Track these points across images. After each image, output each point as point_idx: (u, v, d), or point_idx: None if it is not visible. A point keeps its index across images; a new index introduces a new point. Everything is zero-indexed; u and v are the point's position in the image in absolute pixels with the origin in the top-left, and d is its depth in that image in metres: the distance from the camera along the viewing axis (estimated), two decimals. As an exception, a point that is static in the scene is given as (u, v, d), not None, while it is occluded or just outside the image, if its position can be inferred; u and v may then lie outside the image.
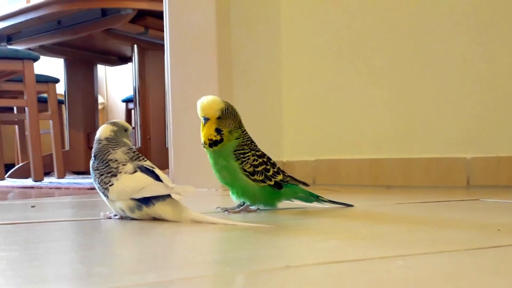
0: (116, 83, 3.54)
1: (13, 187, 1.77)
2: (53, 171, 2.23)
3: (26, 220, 0.71)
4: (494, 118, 1.21)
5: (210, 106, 0.72)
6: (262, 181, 0.74)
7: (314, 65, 1.47)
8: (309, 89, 1.49)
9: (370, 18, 1.38)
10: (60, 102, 2.57)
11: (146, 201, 0.64)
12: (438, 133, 1.26)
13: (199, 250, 0.49)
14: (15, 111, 2.54)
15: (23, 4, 2.39)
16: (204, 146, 0.74)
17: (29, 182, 1.98)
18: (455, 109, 1.25)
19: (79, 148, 2.45)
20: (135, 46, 2.08)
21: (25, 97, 1.90)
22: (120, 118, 3.23)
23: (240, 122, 0.77)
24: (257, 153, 0.76)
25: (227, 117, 0.73)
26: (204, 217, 0.62)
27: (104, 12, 1.91)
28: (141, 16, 1.91)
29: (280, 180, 0.77)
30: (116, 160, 0.66)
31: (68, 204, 0.95)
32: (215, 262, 0.42)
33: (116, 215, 0.68)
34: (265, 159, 0.76)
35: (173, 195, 0.64)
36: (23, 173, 2.35)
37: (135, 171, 0.64)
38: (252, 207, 0.77)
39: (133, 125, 2.56)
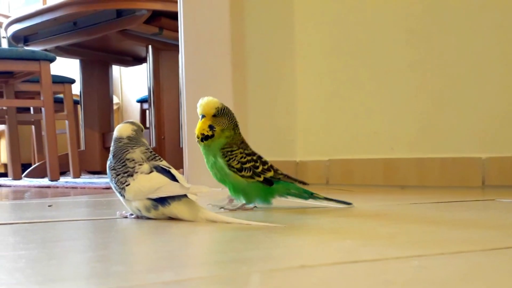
0: (131, 83, 3.56)
1: (29, 186, 1.79)
2: (68, 170, 2.25)
3: (44, 219, 0.73)
4: (510, 117, 1.20)
5: (207, 104, 0.77)
6: (251, 177, 0.77)
7: (328, 65, 1.47)
8: (323, 88, 1.48)
9: (383, 18, 1.37)
10: (76, 103, 2.60)
11: (162, 200, 0.64)
12: (453, 133, 1.25)
13: (215, 249, 0.49)
14: (31, 112, 2.57)
15: (40, 6, 2.42)
16: (197, 141, 0.79)
17: (45, 181, 2.00)
18: (470, 108, 1.24)
19: (94, 148, 2.47)
20: (150, 46, 2.10)
21: (42, 98, 1.92)
22: (135, 118, 3.26)
23: (235, 124, 0.80)
24: (246, 151, 0.79)
25: (222, 116, 0.78)
26: (219, 216, 0.63)
27: (119, 13, 1.93)
28: (155, 16, 1.92)
29: (270, 176, 0.78)
30: (133, 160, 0.66)
31: (84, 204, 0.96)
32: (230, 261, 0.43)
33: (132, 215, 0.69)
34: (254, 157, 0.79)
35: (189, 195, 0.64)
36: (39, 173, 2.38)
37: (151, 171, 0.65)
38: (249, 205, 0.80)
39: (147, 125, 2.58)
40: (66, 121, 2.21)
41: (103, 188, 1.51)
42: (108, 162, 0.70)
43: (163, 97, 2.17)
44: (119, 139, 0.69)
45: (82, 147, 2.50)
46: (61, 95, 2.38)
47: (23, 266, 0.42)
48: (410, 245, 0.49)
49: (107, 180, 0.71)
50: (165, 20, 1.94)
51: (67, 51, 2.32)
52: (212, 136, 0.77)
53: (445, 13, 1.27)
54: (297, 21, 1.52)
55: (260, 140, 1.41)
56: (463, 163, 1.22)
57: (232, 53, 1.33)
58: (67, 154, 2.25)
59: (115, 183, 0.68)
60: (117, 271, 0.39)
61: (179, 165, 1.59)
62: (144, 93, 3.00)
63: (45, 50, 2.19)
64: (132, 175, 0.65)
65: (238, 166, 0.76)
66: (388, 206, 0.86)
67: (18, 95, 2.37)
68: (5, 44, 2.57)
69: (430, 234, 0.56)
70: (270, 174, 0.79)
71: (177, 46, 1.64)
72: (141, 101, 2.90)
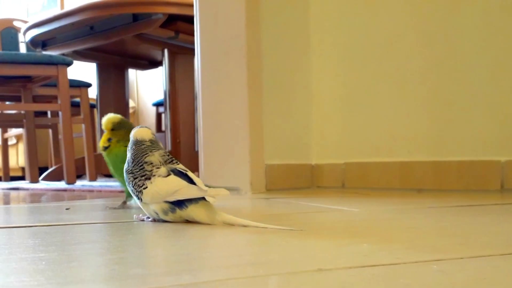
0: (147, 87, 3.59)
1: (47, 189, 1.82)
2: (85, 174, 2.27)
3: (62, 222, 0.73)
4: (529, 120, 1.18)
5: (106, 120, 0.89)
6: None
7: (344, 68, 1.47)
8: (338, 91, 1.48)
9: (401, 21, 1.36)
10: (92, 106, 2.62)
11: (180, 203, 0.65)
12: (471, 136, 1.24)
13: (232, 252, 0.50)
14: (48, 115, 2.60)
15: (57, 11, 2.45)
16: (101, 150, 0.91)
17: (62, 184, 2.02)
18: (488, 111, 1.22)
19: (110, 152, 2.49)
20: (166, 50, 2.11)
21: (59, 102, 1.94)
22: (151, 121, 3.28)
23: None
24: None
25: (119, 129, 0.89)
26: (236, 219, 0.63)
27: (136, 17, 1.94)
28: (171, 20, 1.93)
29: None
30: (151, 163, 0.67)
31: (100, 207, 0.97)
32: (248, 264, 0.43)
33: (149, 218, 0.70)
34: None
35: (207, 198, 0.65)
36: (56, 176, 2.41)
37: (168, 174, 0.66)
38: (130, 202, 0.93)
39: (163, 128, 2.59)
40: (83, 125, 2.23)
41: (119, 191, 1.52)
42: (125, 166, 0.71)
43: (178, 101, 2.18)
44: (140, 142, 0.70)
45: (98, 151, 2.52)
46: (77, 99, 2.41)
47: (44, 268, 0.42)
48: (429, 249, 0.49)
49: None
50: (181, 24, 1.95)
51: (84, 55, 2.35)
52: (109, 146, 0.89)
53: (462, 16, 1.26)
54: (312, 25, 1.52)
55: (276, 143, 1.42)
56: (481, 166, 1.21)
57: (247, 57, 1.33)
58: (83, 157, 2.27)
59: (133, 186, 0.68)
60: (136, 273, 0.39)
61: (194, 168, 1.60)
62: (159, 96, 3.02)
63: (63, 54, 2.21)
64: (149, 178, 0.66)
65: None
66: (405, 210, 0.86)
67: (36, 99, 2.40)
68: (23, 49, 2.61)
69: (449, 238, 0.56)
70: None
71: (193, 49, 1.65)
72: (157, 104, 2.92)
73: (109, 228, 0.68)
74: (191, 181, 0.65)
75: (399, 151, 1.35)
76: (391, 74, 1.38)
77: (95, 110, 2.67)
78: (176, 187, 0.64)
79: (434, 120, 1.31)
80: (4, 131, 2.77)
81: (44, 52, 2.24)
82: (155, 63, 2.61)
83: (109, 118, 0.89)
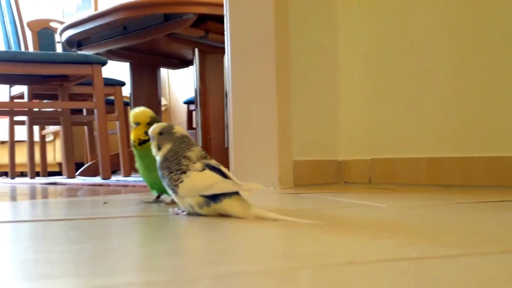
0: (178, 85, 3.64)
1: (83, 184, 1.87)
2: (119, 169, 2.33)
3: (100, 215, 0.77)
4: None
5: (142, 113, 0.86)
6: None
7: (371, 64, 1.47)
8: (365, 88, 1.48)
9: (427, 17, 1.36)
10: (126, 104, 2.68)
11: (214, 197, 0.67)
12: (499, 131, 1.23)
13: (264, 244, 0.52)
14: (84, 113, 2.67)
15: (92, 12, 2.51)
16: (133, 146, 0.87)
17: (97, 179, 2.08)
18: (521, 107, 1.21)
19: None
20: (196, 49, 2.14)
21: (94, 100, 2.00)
22: (182, 119, 3.33)
23: None
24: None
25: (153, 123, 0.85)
26: (268, 213, 0.65)
27: (167, 17, 1.98)
28: (201, 20, 1.96)
29: None
30: (189, 158, 0.69)
31: (135, 201, 1.00)
32: (279, 256, 0.45)
33: (183, 211, 0.72)
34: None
35: (241, 192, 0.67)
36: (92, 172, 2.48)
37: (204, 169, 0.68)
38: (162, 197, 0.92)
39: (194, 125, 2.63)
40: (117, 122, 2.29)
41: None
42: (159, 160, 0.73)
43: (209, 99, 2.21)
44: (182, 138, 0.72)
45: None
46: (112, 97, 2.47)
47: (88, 258, 0.44)
48: (457, 244, 0.49)
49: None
50: (211, 23, 1.98)
51: (117, 55, 2.40)
52: (148, 140, 0.83)
53: (489, 11, 1.25)
54: (340, 22, 1.52)
55: (303, 140, 1.43)
56: (510, 162, 1.20)
57: (276, 55, 1.35)
58: (118, 153, 2.33)
59: (168, 180, 0.71)
60: (175, 264, 0.41)
61: (224, 164, 1.62)
62: (190, 94, 3.06)
63: (97, 54, 2.27)
64: (185, 173, 0.68)
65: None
66: (433, 206, 0.86)
67: (72, 97, 2.47)
68: (59, 49, 2.68)
69: (477, 233, 0.56)
70: None
71: (222, 48, 1.67)
72: (188, 102, 2.96)
73: (146, 222, 0.70)
74: (224, 176, 0.67)
75: (427, 146, 1.35)
76: (418, 70, 1.37)
77: (128, 107, 2.73)
78: (212, 182, 0.66)
79: (461, 115, 1.30)
80: (42, 128, 2.86)
81: (79, 52, 2.30)
82: (186, 62, 2.64)
83: (145, 111, 0.86)
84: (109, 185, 1.74)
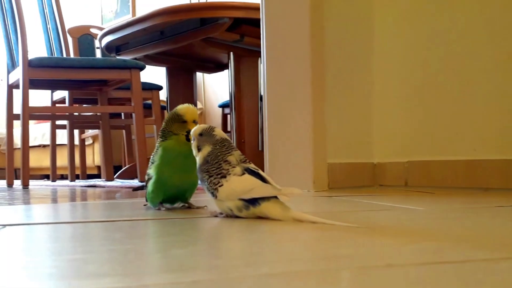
0: (213, 89, 3.68)
1: (121, 187, 1.91)
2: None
3: (141, 217, 0.79)
4: None
5: (193, 111, 0.83)
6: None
7: (406, 65, 1.46)
8: (401, 90, 1.47)
9: (466, 17, 1.34)
10: (163, 108, 2.73)
11: (253, 201, 0.68)
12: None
13: (303, 246, 0.52)
14: (122, 117, 2.73)
15: (130, 17, 2.57)
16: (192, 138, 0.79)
17: (135, 182, 2.12)
18: None
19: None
20: (231, 53, 2.16)
21: (132, 104, 2.04)
22: (217, 122, 3.36)
23: None
24: None
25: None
26: (306, 216, 0.66)
27: (203, 22, 2.01)
28: (237, 24, 1.98)
29: None
30: (230, 162, 0.71)
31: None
32: (319, 258, 0.45)
33: (222, 214, 0.74)
34: None
35: (280, 197, 0.68)
36: (129, 174, 2.53)
37: (243, 173, 0.69)
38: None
39: (228, 129, 2.65)
40: (154, 126, 2.33)
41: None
42: (199, 161, 0.74)
43: (243, 102, 2.22)
44: (223, 141, 0.73)
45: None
46: (149, 101, 2.52)
47: (134, 258, 0.46)
48: (498, 247, 0.49)
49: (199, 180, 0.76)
50: (246, 27, 2.00)
51: (154, 59, 2.44)
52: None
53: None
54: (376, 23, 1.52)
55: (338, 142, 1.43)
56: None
57: (311, 58, 1.36)
58: (155, 156, 2.36)
59: (208, 184, 0.72)
60: (217, 264, 0.43)
61: (259, 167, 1.64)
62: (225, 98, 3.08)
63: (135, 58, 2.32)
64: (225, 177, 0.70)
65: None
66: (472, 209, 0.85)
67: (111, 101, 2.53)
68: (99, 54, 2.75)
69: (519, 237, 0.56)
70: None
71: (257, 52, 1.68)
72: (223, 106, 2.99)
73: (186, 223, 0.72)
74: (263, 180, 0.68)
75: (465, 149, 1.33)
76: (456, 71, 1.35)
77: (165, 111, 2.78)
78: (251, 186, 0.67)
79: (500, 117, 1.27)
80: (82, 132, 2.93)
81: (118, 57, 2.35)
82: (221, 66, 2.67)
83: (194, 109, 0.84)
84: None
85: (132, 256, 0.47)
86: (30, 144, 3.55)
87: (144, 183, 0.90)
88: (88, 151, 3.44)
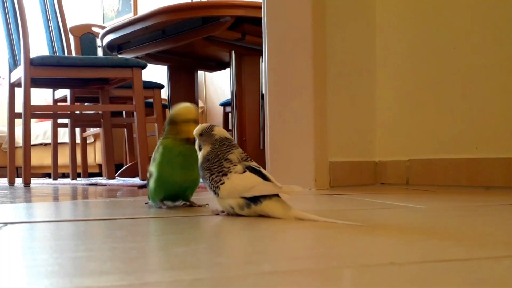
0: (215, 88, 3.68)
1: (123, 185, 1.91)
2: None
3: (143, 215, 0.79)
4: None
5: (195, 110, 0.83)
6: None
7: (408, 63, 1.46)
8: (403, 88, 1.47)
9: (467, 17, 1.34)
10: (164, 107, 2.73)
11: (255, 199, 0.68)
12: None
13: (305, 244, 0.52)
14: (124, 115, 2.73)
15: (131, 16, 2.56)
16: (193, 142, 0.79)
17: (136, 180, 2.12)
18: None
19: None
20: (233, 52, 2.16)
21: (134, 102, 2.04)
22: (218, 121, 3.37)
23: None
24: None
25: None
26: (307, 214, 0.66)
27: (205, 20, 2.01)
28: (238, 23, 1.98)
29: None
30: (231, 161, 0.71)
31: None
32: (321, 256, 0.45)
33: (223, 212, 0.74)
34: None
35: (281, 195, 0.68)
36: (131, 173, 2.53)
37: (244, 171, 0.69)
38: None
39: (230, 127, 2.65)
40: (156, 124, 2.33)
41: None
42: (200, 160, 0.75)
43: (245, 100, 2.22)
44: (223, 140, 0.73)
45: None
46: (151, 100, 2.52)
47: (136, 256, 0.46)
48: (500, 246, 0.49)
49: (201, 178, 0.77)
50: (247, 26, 2.00)
51: (156, 58, 2.44)
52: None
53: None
54: (378, 23, 1.51)
55: (339, 141, 1.43)
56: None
57: (313, 57, 1.36)
58: (156, 155, 2.37)
59: (209, 182, 0.72)
60: (219, 262, 0.43)
61: (260, 166, 1.64)
62: (227, 97, 3.09)
63: (136, 57, 2.32)
64: (226, 175, 0.70)
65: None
66: (473, 208, 0.85)
67: (112, 100, 2.53)
68: (100, 53, 2.75)
69: (521, 236, 0.56)
70: None
71: (259, 51, 1.68)
72: (224, 104, 2.99)
73: (188, 221, 0.72)
74: (264, 178, 0.68)
75: (466, 147, 1.32)
76: (457, 70, 1.35)
77: (166, 110, 2.78)
78: (252, 184, 0.67)
79: (503, 115, 1.27)
80: (83, 130, 2.94)
81: (120, 56, 2.36)
82: (223, 65, 2.67)
83: (194, 108, 0.83)
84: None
85: (134, 254, 0.47)
86: (32, 142, 3.55)
87: (146, 181, 0.90)
88: (90, 150, 3.45)
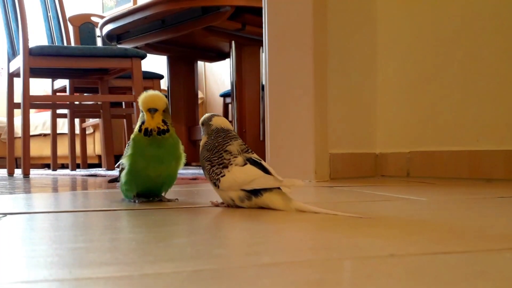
0: (215, 78, 3.67)
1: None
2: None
3: (142, 207, 0.78)
4: None
5: (159, 98, 0.75)
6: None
7: (410, 55, 1.45)
8: (404, 79, 1.47)
9: (470, 8, 1.33)
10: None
11: (255, 192, 0.68)
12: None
13: (305, 236, 0.52)
14: (123, 106, 2.72)
15: (130, 6, 2.55)
16: (150, 134, 0.76)
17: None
18: None
19: (181, 140, 2.59)
20: (233, 42, 2.15)
21: (133, 93, 2.03)
22: (218, 112, 3.36)
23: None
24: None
25: (168, 112, 0.78)
26: (308, 206, 0.66)
27: (205, 10, 2.00)
28: (238, 13, 1.97)
29: None
30: (230, 152, 0.71)
31: (176, 193, 1.02)
32: (322, 248, 0.45)
33: (223, 203, 0.74)
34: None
35: (282, 188, 0.68)
36: (130, 164, 2.52)
37: (245, 164, 0.69)
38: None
39: (230, 118, 2.65)
40: (155, 115, 2.32)
41: (190, 179, 1.58)
42: (203, 153, 0.74)
43: (245, 91, 2.22)
44: (222, 131, 0.73)
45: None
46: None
47: (135, 247, 0.46)
48: (500, 238, 0.49)
49: (194, 171, 0.76)
50: (248, 16, 1.99)
51: (155, 48, 2.44)
52: (168, 130, 0.76)
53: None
54: (379, 15, 1.51)
55: (340, 132, 1.43)
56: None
57: (314, 48, 1.35)
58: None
59: (210, 174, 0.72)
60: (219, 253, 0.43)
61: (260, 157, 1.64)
62: (227, 87, 3.08)
63: (136, 47, 2.31)
64: (227, 167, 0.70)
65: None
66: (474, 200, 0.85)
67: (111, 90, 2.52)
68: (99, 43, 2.74)
69: (522, 228, 0.56)
70: None
71: (259, 41, 1.67)
72: (224, 95, 2.98)
73: (188, 212, 0.72)
74: (265, 170, 0.68)
75: (467, 139, 1.32)
76: (459, 62, 1.35)
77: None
78: (253, 177, 0.67)
79: (504, 108, 1.27)
80: (82, 121, 2.93)
81: (119, 46, 2.35)
82: (223, 55, 2.66)
83: (161, 96, 0.76)
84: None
85: (133, 245, 0.47)
86: (31, 133, 3.55)
87: (118, 174, 0.84)
88: (89, 140, 3.44)
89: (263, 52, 1.48)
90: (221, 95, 3.06)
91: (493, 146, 1.28)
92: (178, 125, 2.60)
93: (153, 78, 2.40)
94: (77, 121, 2.87)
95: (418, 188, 1.08)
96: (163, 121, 0.76)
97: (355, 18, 1.50)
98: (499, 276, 0.35)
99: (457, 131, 1.35)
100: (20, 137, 1.99)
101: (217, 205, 0.74)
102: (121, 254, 0.42)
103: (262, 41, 1.48)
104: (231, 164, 0.69)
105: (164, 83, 2.74)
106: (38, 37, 2.56)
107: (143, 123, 0.77)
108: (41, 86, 4.02)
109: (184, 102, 2.60)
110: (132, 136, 0.79)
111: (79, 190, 1.24)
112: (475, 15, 1.32)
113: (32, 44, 1.94)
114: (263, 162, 0.69)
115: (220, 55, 2.67)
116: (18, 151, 2.09)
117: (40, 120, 3.84)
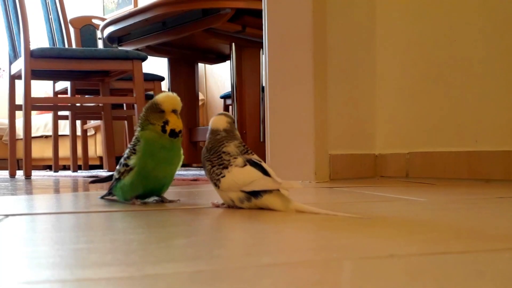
0: (215, 80, 3.67)
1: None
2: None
3: (143, 208, 0.78)
4: None
5: (179, 100, 0.77)
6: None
7: (409, 56, 1.45)
8: (403, 81, 1.47)
9: (467, 8, 1.33)
10: (164, 99, 2.71)
11: (255, 193, 0.68)
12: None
13: (305, 237, 0.52)
14: (124, 108, 2.73)
15: (131, 8, 2.56)
16: (177, 135, 0.77)
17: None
18: None
19: (182, 142, 2.59)
20: (233, 44, 2.16)
21: (134, 95, 2.04)
22: (218, 113, 3.35)
23: None
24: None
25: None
26: (308, 207, 0.66)
27: (205, 13, 2.00)
28: (239, 15, 1.98)
29: None
30: (229, 153, 0.71)
31: (177, 194, 1.02)
32: (322, 248, 0.46)
33: (223, 204, 0.74)
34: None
35: (281, 190, 0.68)
36: (131, 165, 2.52)
37: (245, 165, 0.69)
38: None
39: (230, 120, 2.65)
40: (156, 117, 2.32)
41: (191, 180, 1.58)
42: (203, 153, 0.75)
43: (245, 93, 2.22)
44: (216, 132, 0.74)
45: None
46: (151, 92, 2.52)
47: (136, 248, 0.46)
48: (499, 238, 0.49)
49: (194, 172, 0.77)
50: (248, 18, 1.99)
51: (156, 50, 2.44)
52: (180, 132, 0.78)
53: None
54: (378, 16, 1.51)
55: (339, 133, 1.43)
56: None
57: (313, 49, 1.35)
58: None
59: (210, 174, 0.72)
60: (219, 254, 0.43)
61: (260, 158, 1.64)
62: (227, 89, 3.08)
63: (137, 49, 2.31)
64: (227, 168, 0.70)
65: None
66: (473, 200, 0.85)
67: (113, 92, 2.53)
68: (101, 45, 2.75)
69: (521, 229, 0.56)
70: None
71: (259, 43, 1.67)
72: (225, 97, 2.98)
73: (188, 213, 0.72)
74: (265, 172, 0.68)
75: (466, 140, 1.33)
76: (457, 62, 1.35)
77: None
78: (252, 178, 0.67)
79: (502, 109, 1.27)
80: (84, 123, 2.93)
81: (120, 48, 2.35)
82: (223, 57, 2.66)
83: (174, 97, 0.77)
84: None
85: (134, 245, 0.47)
86: (33, 134, 3.54)
87: (110, 174, 0.82)
88: (90, 142, 3.44)
89: (263, 54, 1.49)
90: (222, 97, 3.06)
91: (492, 147, 1.28)
92: (179, 127, 2.59)
93: (154, 80, 2.41)
94: (78, 122, 2.87)
95: (418, 189, 1.08)
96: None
97: (355, 20, 1.50)
98: (499, 276, 0.35)
99: (456, 132, 1.35)
100: (21, 139, 2.00)
101: (217, 206, 0.75)
102: (122, 255, 0.43)
103: (262, 43, 1.49)
104: (231, 165, 0.70)
105: (165, 85, 2.74)
106: (39, 39, 2.57)
107: (165, 123, 0.76)
108: (42, 88, 4.03)
109: (185, 104, 2.58)
110: (144, 136, 0.78)
111: (81, 192, 1.24)
112: (473, 15, 1.33)
113: (33, 46, 1.94)
114: (263, 164, 0.70)
115: (221, 57, 2.68)
116: (20, 152, 2.10)
117: (41, 122, 3.85)
